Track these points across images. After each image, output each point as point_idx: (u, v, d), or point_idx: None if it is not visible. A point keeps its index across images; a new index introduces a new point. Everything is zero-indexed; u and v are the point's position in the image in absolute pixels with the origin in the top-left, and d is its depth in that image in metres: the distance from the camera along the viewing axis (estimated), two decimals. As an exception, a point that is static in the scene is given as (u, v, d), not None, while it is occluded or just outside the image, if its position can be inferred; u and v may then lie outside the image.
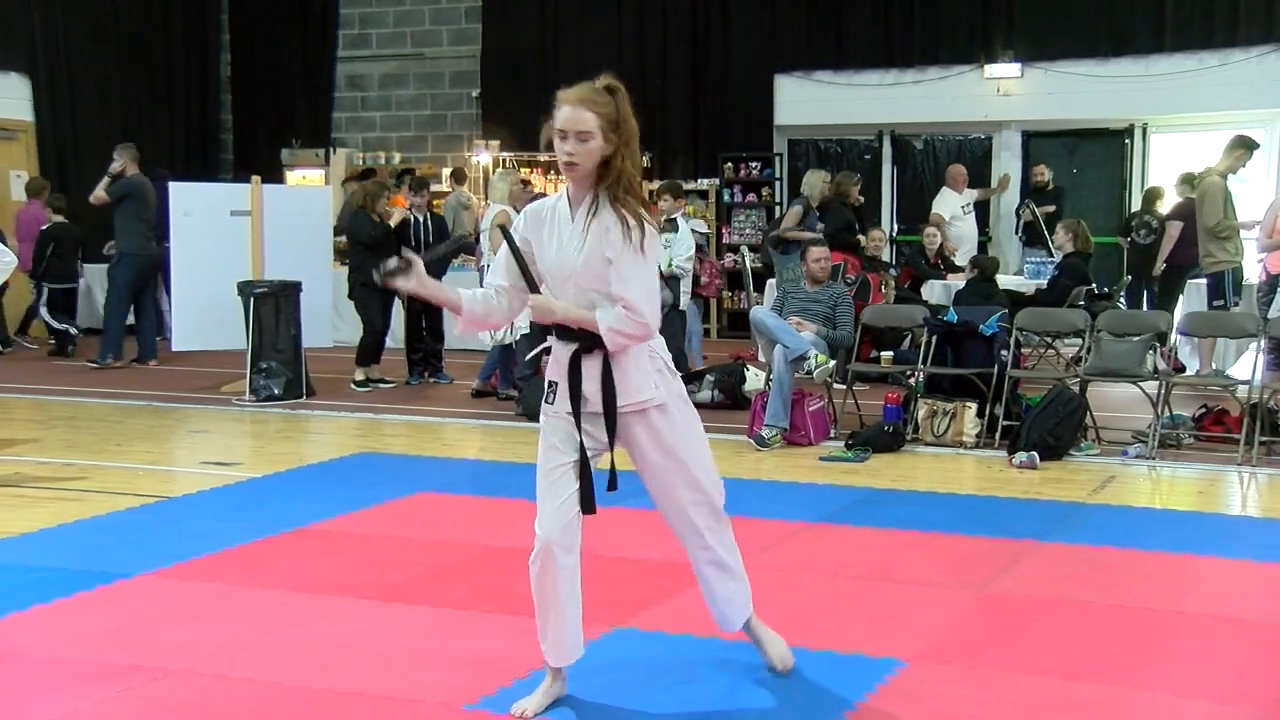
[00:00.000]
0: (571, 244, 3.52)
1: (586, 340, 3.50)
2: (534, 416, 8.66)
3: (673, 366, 3.69)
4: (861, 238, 11.47)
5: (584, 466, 3.54)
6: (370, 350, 10.32)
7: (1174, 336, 8.93)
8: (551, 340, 3.61)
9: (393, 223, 10.29)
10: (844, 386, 8.72)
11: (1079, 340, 8.77)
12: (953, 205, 12.90)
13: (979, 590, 4.92)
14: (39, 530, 5.80)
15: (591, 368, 3.52)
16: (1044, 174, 13.02)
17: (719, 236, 14.52)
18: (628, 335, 3.46)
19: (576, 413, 3.54)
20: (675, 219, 9.67)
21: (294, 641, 4.31)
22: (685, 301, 9.77)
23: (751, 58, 14.43)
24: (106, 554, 5.36)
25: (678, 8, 14.81)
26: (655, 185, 10.56)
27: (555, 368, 3.60)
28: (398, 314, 10.70)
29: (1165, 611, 4.69)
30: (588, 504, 3.55)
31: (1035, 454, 7.37)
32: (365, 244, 10.16)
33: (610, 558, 5.39)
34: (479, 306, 3.71)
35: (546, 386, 3.64)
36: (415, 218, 10.46)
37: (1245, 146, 9.95)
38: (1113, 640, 4.35)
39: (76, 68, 15.14)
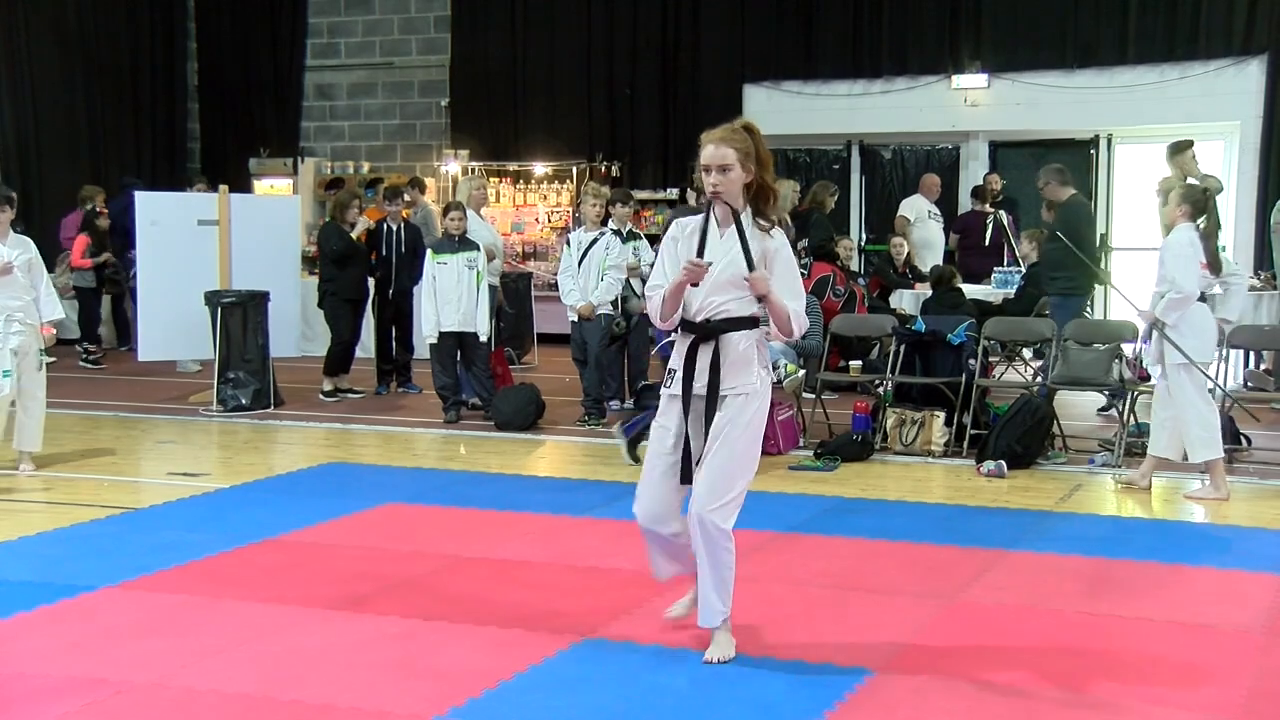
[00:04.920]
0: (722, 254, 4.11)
1: (704, 332, 4.11)
2: (506, 426, 8.78)
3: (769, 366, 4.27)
4: (839, 250, 11.51)
5: (687, 443, 4.13)
6: (338, 360, 10.27)
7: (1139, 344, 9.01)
8: (676, 335, 4.21)
9: (355, 233, 10.20)
10: (813, 395, 8.75)
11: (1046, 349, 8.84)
12: (920, 208, 12.97)
13: (947, 599, 4.94)
14: (0, 543, 5.74)
15: (704, 355, 4.12)
16: (996, 183, 13.10)
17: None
18: (799, 328, 4.17)
19: (685, 394, 4.13)
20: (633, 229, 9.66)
21: (262, 653, 4.28)
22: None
23: (720, 68, 14.48)
24: (70, 566, 5.31)
25: (647, 17, 14.84)
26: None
27: (676, 357, 4.20)
28: (368, 324, 10.65)
29: (1132, 619, 4.73)
30: (686, 475, 4.14)
31: (1003, 463, 7.41)
32: (331, 257, 10.10)
33: (580, 568, 5.39)
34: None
35: (667, 374, 4.22)
36: (389, 226, 10.42)
37: (1183, 148, 9.96)
38: (1081, 648, 4.38)
39: (40, 76, 15.01)
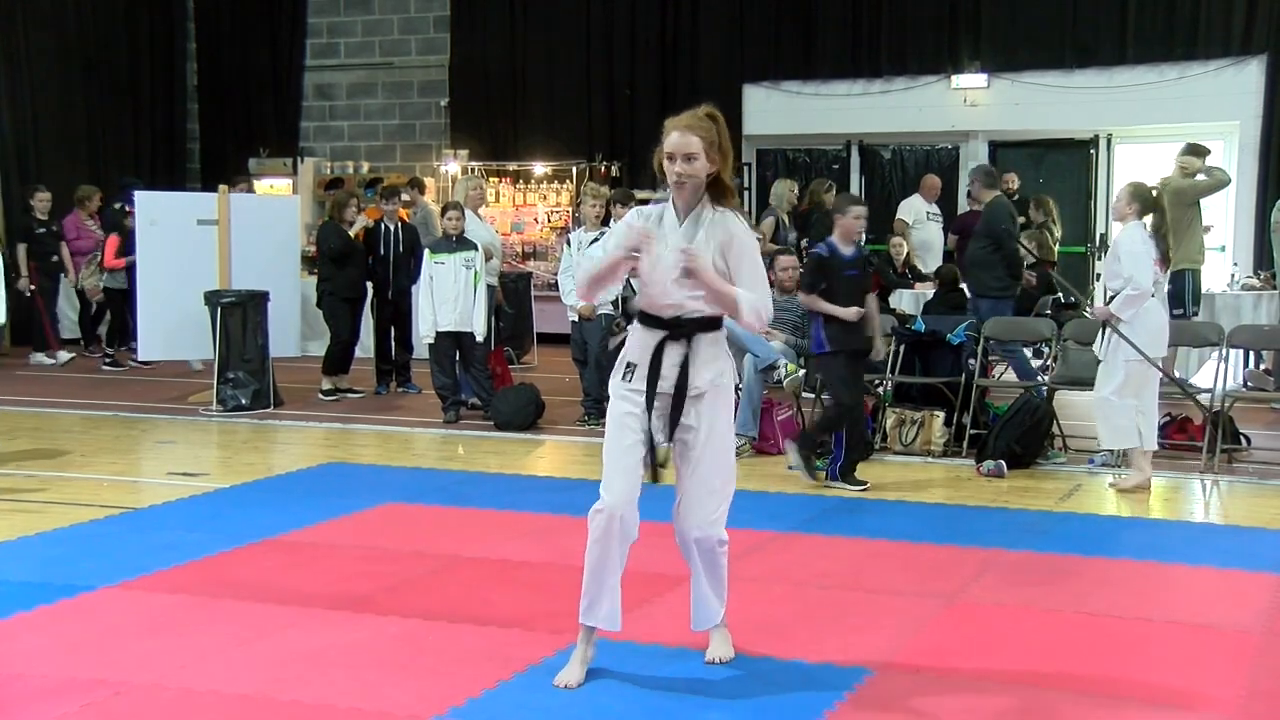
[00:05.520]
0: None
1: (675, 330, 3.94)
2: (505, 426, 8.78)
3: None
4: None
5: (650, 440, 3.95)
6: (336, 360, 10.26)
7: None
8: (635, 327, 4.03)
9: (352, 231, 10.18)
10: (813, 395, 8.74)
11: (1045, 349, 8.84)
12: (918, 210, 12.97)
13: (947, 599, 4.94)
14: (0, 542, 5.73)
15: (674, 354, 3.94)
16: (1013, 183, 13.06)
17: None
18: (759, 319, 3.94)
19: (650, 392, 3.93)
20: None
21: (261, 653, 4.28)
22: None
23: (720, 68, 14.48)
24: (70, 566, 5.30)
25: (646, 17, 14.86)
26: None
27: (638, 351, 3.98)
28: (367, 324, 10.65)
29: (1131, 619, 4.73)
30: (652, 473, 3.97)
31: (1003, 462, 7.41)
32: (330, 255, 10.10)
33: (580, 567, 5.38)
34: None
35: (624, 367, 4.01)
36: (386, 226, 10.42)
37: (1199, 153, 10.11)
38: (1080, 648, 4.38)
39: (40, 77, 14.99)
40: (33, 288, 12.24)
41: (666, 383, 3.94)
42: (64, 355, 12.45)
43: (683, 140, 3.89)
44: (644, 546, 5.40)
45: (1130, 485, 7.04)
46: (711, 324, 3.99)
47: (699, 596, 4.19)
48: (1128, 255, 6.84)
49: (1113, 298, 6.98)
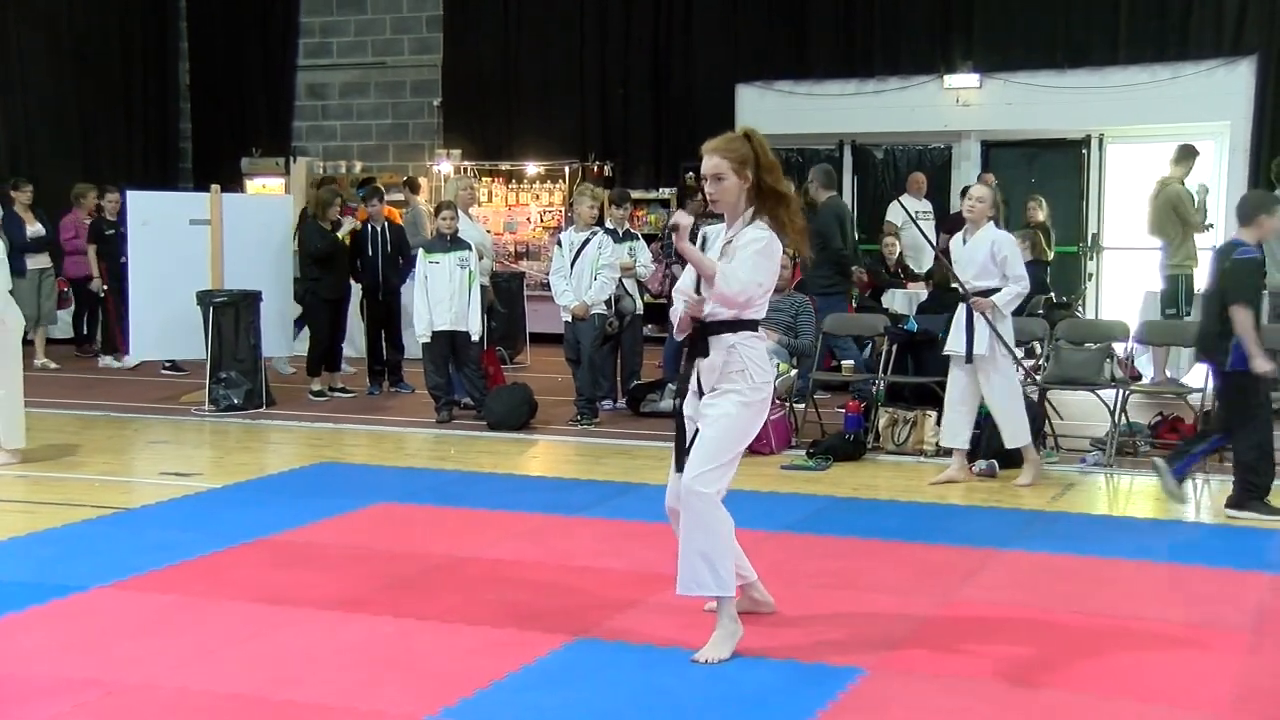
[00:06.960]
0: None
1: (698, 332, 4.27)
2: (498, 426, 8.78)
3: (764, 368, 4.25)
4: None
5: (680, 431, 4.30)
6: (318, 360, 10.20)
7: (1130, 344, 9.02)
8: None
9: (342, 233, 10.10)
10: (801, 398, 8.75)
11: (1039, 348, 8.85)
12: (907, 211, 12.96)
13: (940, 598, 4.95)
14: (-7, 543, 5.73)
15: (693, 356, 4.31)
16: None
17: (680, 245, 14.54)
18: (719, 292, 4.13)
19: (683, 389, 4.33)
20: (630, 229, 9.69)
21: (255, 653, 4.28)
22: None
23: (713, 68, 14.48)
24: (61, 566, 5.30)
25: (640, 17, 14.85)
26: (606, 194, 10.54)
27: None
28: (358, 324, 10.62)
29: (1124, 618, 4.74)
30: (680, 463, 4.26)
31: (995, 462, 7.42)
32: (313, 256, 10.05)
33: (573, 567, 5.39)
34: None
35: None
36: (373, 227, 10.40)
37: (1187, 156, 10.27)
38: (1072, 647, 4.39)
39: (33, 76, 14.98)
40: (105, 288, 12.20)
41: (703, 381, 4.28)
42: (131, 359, 12.24)
43: (710, 163, 4.25)
44: (639, 546, 5.40)
45: (945, 479, 7.19)
46: (720, 328, 4.20)
47: (682, 556, 4.20)
48: (1015, 256, 7.04)
49: (980, 292, 7.02)
